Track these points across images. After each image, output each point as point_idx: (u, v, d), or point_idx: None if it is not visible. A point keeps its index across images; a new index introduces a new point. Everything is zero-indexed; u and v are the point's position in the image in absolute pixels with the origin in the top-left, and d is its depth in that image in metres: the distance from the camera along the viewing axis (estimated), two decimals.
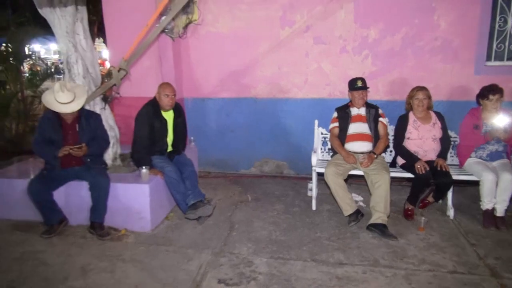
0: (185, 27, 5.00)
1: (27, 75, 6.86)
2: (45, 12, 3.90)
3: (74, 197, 3.66)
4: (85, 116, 3.60)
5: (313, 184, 4.20)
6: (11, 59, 6.30)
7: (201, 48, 5.13)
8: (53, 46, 26.26)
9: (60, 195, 3.60)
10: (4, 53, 6.20)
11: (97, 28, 10.29)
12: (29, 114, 6.60)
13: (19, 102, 6.49)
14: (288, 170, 5.31)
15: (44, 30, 8.12)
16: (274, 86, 5.06)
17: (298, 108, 5.05)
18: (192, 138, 4.89)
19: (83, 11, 4.05)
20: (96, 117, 3.69)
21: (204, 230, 3.65)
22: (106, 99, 4.10)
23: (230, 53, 5.08)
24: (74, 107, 3.44)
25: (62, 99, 3.38)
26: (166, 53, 4.96)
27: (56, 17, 3.91)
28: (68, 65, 4.05)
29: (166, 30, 4.89)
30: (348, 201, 3.73)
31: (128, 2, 4.95)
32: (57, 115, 3.53)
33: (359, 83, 3.90)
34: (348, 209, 3.72)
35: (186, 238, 3.49)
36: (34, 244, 3.36)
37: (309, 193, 4.50)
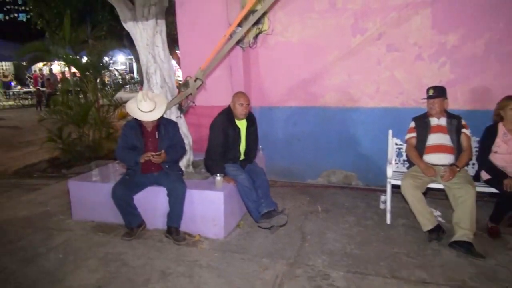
0: (255, 37, 5.08)
1: (101, 85, 7.28)
2: (129, 26, 4.13)
3: (151, 202, 3.80)
4: (164, 124, 3.75)
5: (388, 197, 4.04)
6: (91, 70, 6.74)
7: (270, 57, 5.17)
8: (120, 58, 28.03)
9: (139, 199, 3.76)
10: (85, 65, 6.65)
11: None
12: (105, 122, 7.01)
13: (96, 110, 6.92)
14: (357, 181, 5.16)
15: (117, 43, 8.67)
16: (344, 95, 4.96)
17: (369, 117, 4.90)
18: (260, 146, 4.91)
19: (162, 24, 4.24)
20: (174, 125, 3.82)
21: (276, 239, 3.63)
22: (181, 108, 4.25)
23: (299, 61, 5.07)
24: (155, 115, 3.59)
25: (144, 107, 3.55)
26: (237, 62, 5.06)
27: (138, 30, 4.13)
28: (147, 76, 4.26)
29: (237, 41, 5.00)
30: (427, 215, 3.53)
31: (201, 14, 5.13)
32: (139, 123, 3.70)
33: (430, 92, 3.72)
34: (427, 224, 3.52)
35: (259, 246, 3.49)
36: (116, 246, 3.53)
37: (381, 206, 4.34)
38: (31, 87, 20.71)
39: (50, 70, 18.27)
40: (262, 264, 3.16)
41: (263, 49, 5.18)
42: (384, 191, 4.22)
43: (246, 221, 4.03)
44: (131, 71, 27.66)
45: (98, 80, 7.01)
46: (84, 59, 7.30)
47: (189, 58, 5.21)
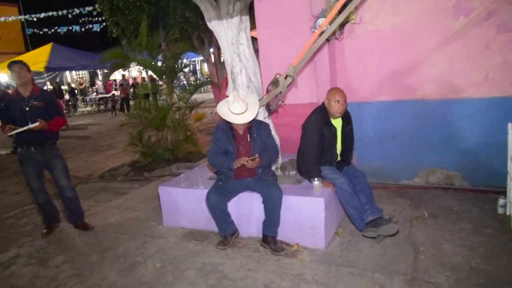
0: (342, 27, 4.70)
1: (178, 88, 7.29)
2: (213, 25, 3.97)
3: (245, 208, 3.61)
4: (256, 126, 3.53)
5: (510, 200, 3.48)
6: (167, 73, 6.77)
7: (358, 48, 4.76)
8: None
9: (231, 206, 3.58)
10: (162, 68, 6.69)
11: None
12: (182, 124, 7.03)
13: (173, 113, 6.95)
14: (461, 182, 4.59)
15: (189, 45, 8.71)
16: (445, 86, 4.42)
17: (476, 110, 4.32)
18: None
19: (246, 20, 4.02)
20: (266, 127, 3.59)
21: (384, 250, 3.26)
22: (269, 107, 4.01)
23: (390, 51, 4.61)
24: (248, 117, 3.38)
25: (236, 109, 3.35)
26: (322, 56, 4.73)
27: (223, 29, 3.95)
28: (232, 76, 4.07)
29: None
30: None
31: (281, 8, 4.87)
32: (230, 126, 3.52)
33: None
34: None
35: (366, 259, 3.14)
36: (212, 256, 3.38)
37: (500, 210, 3.78)
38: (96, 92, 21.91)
39: (123, 76, 19.18)
40: (376, 281, 2.81)
41: (350, 40, 4.79)
42: (500, 193, 3.68)
43: (345, 229, 3.70)
44: (195, 72, 28.29)
45: (174, 83, 7.01)
46: (159, 63, 7.37)
47: (269, 54, 4.98)
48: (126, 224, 4.31)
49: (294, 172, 4.07)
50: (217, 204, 3.41)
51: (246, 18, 4.02)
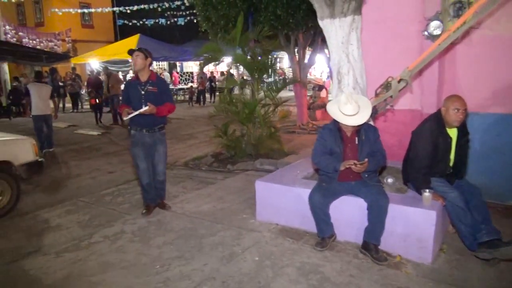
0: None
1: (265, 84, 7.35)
2: (325, 23, 3.92)
3: (345, 212, 3.53)
4: (365, 129, 3.43)
5: None
6: (258, 69, 6.85)
7: (471, 54, 4.45)
8: None
9: (331, 208, 3.50)
10: (254, 64, 6.78)
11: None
12: (267, 121, 7.08)
13: (260, 109, 7.02)
14: None
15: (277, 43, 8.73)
16: None
17: None
18: None
19: (358, 20, 3.93)
20: (375, 131, 3.48)
21: (499, 274, 3.02)
22: (376, 111, 3.88)
23: (509, 60, 4.25)
24: (359, 120, 3.29)
25: (347, 111, 3.28)
26: (430, 61, 4.48)
27: (334, 28, 3.89)
28: (338, 76, 4.00)
29: (431, 36, 4.43)
30: None
31: (389, 9, 4.69)
32: (337, 127, 3.46)
33: None
34: None
35: (480, 282, 2.92)
36: (310, 256, 3.34)
37: None
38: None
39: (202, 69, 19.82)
40: None
41: (463, 45, 4.49)
42: None
43: (450, 246, 3.48)
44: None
45: (264, 79, 7.08)
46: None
47: (373, 56, 4.80)
48: (218, 213, 4.42)
49: (392, 180, 3.91)
50: (320, 204, 3.37)
51: (358, 18, 3.92)
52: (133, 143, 4.26)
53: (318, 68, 21.05)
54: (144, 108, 3.99)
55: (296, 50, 9.97)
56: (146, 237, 3.86)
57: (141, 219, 4.31)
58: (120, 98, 11.81)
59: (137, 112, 4.00)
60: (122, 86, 20.35)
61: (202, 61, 21.40)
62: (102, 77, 15.32)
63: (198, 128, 11.64)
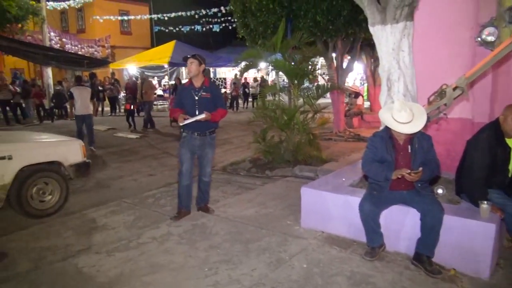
0: None
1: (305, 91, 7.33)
2: (376, 29, 3.88)
3: (396, 222, 3.45)
4: (418, 137, 3.34)
5: None
6: (299, 76, 6.85)
7: None
8: None
9: (381, 217, 3.44)
10: (295, 70, 6.79)
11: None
12: (306, 127, 7.05)
13: (299, 115, 7.00)
14: None
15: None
16: None
17: None
18: None
19: (410, 27, 3.85)
20: (429, 139, 3.38)
21: None
22: (428, 119, 3.78)
23: None
24: (414, 127, 3.22)
25: (401, 118, 3.21)
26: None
27: (385, 34, 3.84)
28: (388, 82, 3.94)
29: (484, 42, 4.28)
30: None
31: (440, 15, 4.58)
32: (389, 134, 3.39)
33: None
34: None
35: None
36: (359, 265, 3.28)
37: None
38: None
39: (236, 75, 20.05)
40: None
41: None
42: None
43: (506, 261, 3.33)
44: None
45: (305, 85, 7.07)
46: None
47: (423, 63, 4.70)
48: (262, 219, 4.42)
49: (442, 190, 3.78)
50: (371, 213, 3.30)
51: (410, 24, 3.85)
52: (183, 144, 4.38)
53: (351, 75, 20.81)
54: (201, 116, 4.11)
55: (334, 56, 9.90)
56: (192, 239, 3.91)
57: (186, 221, 4.36)
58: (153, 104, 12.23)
59: (193, 119, 4.12)
60: (158, 91, 20.97)
61: (234, 67, 21.63)
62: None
63: (232, 133, 11.74)
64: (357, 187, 4.22)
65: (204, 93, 4.24)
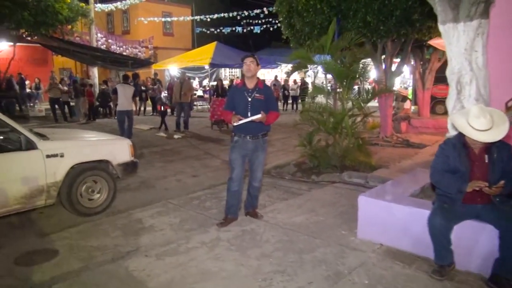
0: None
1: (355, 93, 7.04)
2: (447, 28, 3.59)
3: (468, 238, 3.14)
4: (497, 147, 3.02)
5: None
6: (349, 78, 6.57)
7: None
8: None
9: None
10: (345, 72, 6.52)
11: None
12: (355, 132, 6.76)
13: (347, 119, 6.72)
14: None
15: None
16: None
17: None
18: None
19: (485, 25, 3.54)
20: (509, 149, 3.05)
21: None
22: None
23: None
24: (494, 136, 2.90)
25: (480, 125, 2.90)
26: None
27: (457, 33, 3.54)
28: (458, 85, 3.64)
29: None
30: None
31: None
32: (462, 142, 3.09)
33: None
34: None
35: None
36: (427, 285, 3.01)
37: None
38: None
39: (275, 77, 19.92)
40: None
41: None
42: None
43: None
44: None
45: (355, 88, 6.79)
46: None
47: (497, 64, 4.33)
48: (313, 227, 4.21)
49: None
50: (442, 228, 3.02)
51: (485, 22, 3.53)
52: (234, 148, 4.21)
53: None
54: (257, 116, 3.94)
55: (383, 58, 9.51)
56: (243, 246, 3.75)
57: (235, 227, 4.22)
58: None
59: (249, 119, 3.95)
60: (199, 92, 21.13)
61: (274, 68, 21.44)
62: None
63: (273, 136, 11.53)
64: (418, 197, 3.93)
65: (257, 95, 4.07)
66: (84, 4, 15.61)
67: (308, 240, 3.85)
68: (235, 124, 3.97)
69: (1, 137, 4.40)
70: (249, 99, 4.05)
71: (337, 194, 5.40)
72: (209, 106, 16.24)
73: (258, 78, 4.18)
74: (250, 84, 4.10)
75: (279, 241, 3.85)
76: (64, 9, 13.31)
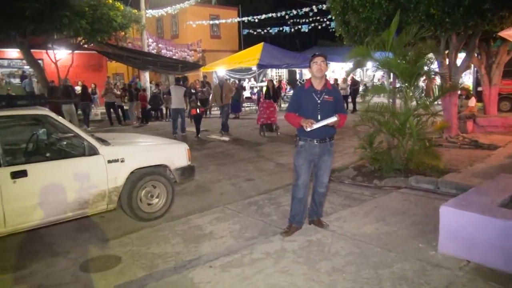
0: None
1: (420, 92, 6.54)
2: None
3: None
4: None
5: None
6: (415, 76, 6.12)
7: None
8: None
9: None
10: (411, 70, 6.07)
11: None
12: (420, 133, 6.28)
13: (412, 119, 6.26)
14: None
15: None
16: None
17: None
18: None
19: None
20: None
21: None
22: None
23: None
24: None
25: None
26: None
27: None
28: None
29: None
30: None
31: None
32: None
33: None
34: None
35: None
36: None
37: None
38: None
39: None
40: None
41: None
42: None
43: None
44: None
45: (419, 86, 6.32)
46: None
47: None
48: (386, 238, 3.87)
49: None
50: None
51: None
52: (299, 153, 3.96)
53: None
54: (333, 119, 3.67)
55: (446, 53, 8.87)
56: (311, 259, 3.50)
57: (299, 236, 3.98)
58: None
59: (324, 122, 3.68)
60: (246, 93, 21.08)
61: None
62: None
63: None
64: (508, 207, 3.48)
65: (326, 96, 3.80)
66: (136, 11, 16.05)
67: (382, 253, 3.53)
68: (308, 129, 3.68)
69: (66, 143, 4.46)
70: (319, 101, 3.79)
71: (405, 201, 5.00)
72: (256, 108, 16.11)
73: (326, 78, 3.92)
74: (319, 85, 3.84)
75: (350, 254, 3.56)
76: (118, 17, 13.73)
